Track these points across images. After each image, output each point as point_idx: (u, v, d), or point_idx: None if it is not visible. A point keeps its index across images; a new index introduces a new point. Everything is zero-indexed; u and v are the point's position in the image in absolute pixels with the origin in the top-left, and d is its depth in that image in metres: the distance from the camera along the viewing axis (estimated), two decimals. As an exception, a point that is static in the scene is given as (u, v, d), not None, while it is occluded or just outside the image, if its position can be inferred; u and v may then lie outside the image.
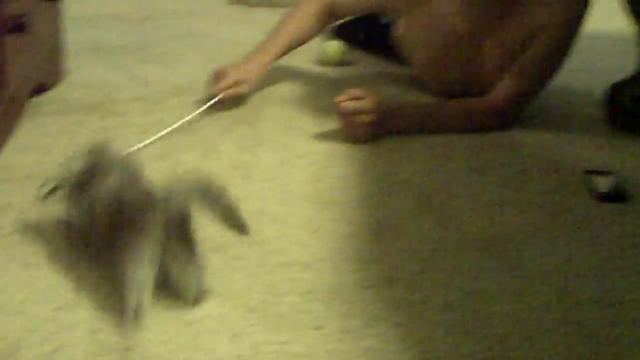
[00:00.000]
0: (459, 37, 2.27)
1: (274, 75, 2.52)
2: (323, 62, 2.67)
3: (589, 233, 1.65)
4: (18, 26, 1.93)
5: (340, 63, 2.67)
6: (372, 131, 2.04)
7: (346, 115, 2.03)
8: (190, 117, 2.12)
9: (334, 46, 2.70)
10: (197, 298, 1.33)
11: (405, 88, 2.48)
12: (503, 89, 2.20)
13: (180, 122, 2.10)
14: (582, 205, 1.77)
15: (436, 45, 2.32)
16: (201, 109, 2.16)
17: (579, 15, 2.20)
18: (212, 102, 2.19)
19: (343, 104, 2.03)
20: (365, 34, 2.87)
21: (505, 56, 2.24)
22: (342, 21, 2.76)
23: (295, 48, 2.46)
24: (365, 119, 2.02)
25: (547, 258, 1.54)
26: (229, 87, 2.25)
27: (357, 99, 2.03)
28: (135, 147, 1.94)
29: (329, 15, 2.46)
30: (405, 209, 1.71)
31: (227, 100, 2.24)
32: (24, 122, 2.08)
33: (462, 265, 1.50)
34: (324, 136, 2.07)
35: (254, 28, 3.09)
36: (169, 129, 2.06)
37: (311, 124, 2.15)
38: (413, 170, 1.90)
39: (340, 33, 2.91)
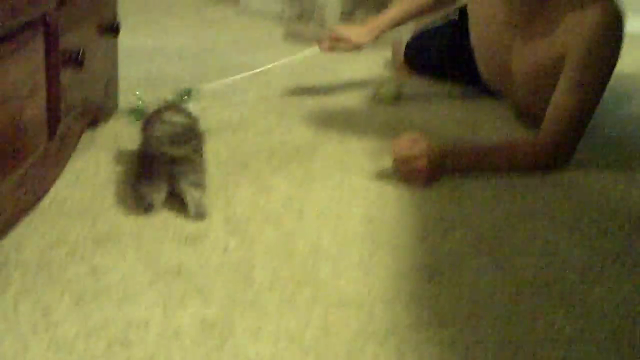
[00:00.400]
0: (494, 25, 2.39)
1: (329, 113, 2.52)
2: (378, 100, 2.67)
3: (646, 276, 1.62)
4: (74, 60, 1.94)
5: (395, 101, 2.67)
6: (426, 175, 2.03)
7: (400, 161, 2.04)
8: (287, 59, 2.77)
9: (389, 84, 2.70)
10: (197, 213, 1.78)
11: (459, 126, 2.47)
12: (549, 124, 2.17)
13: (276, 63, 2.72)
14: (638, 248, 1.75)
15: (481, 31, 2.48)
16: (300, 54, 2.72)
17: (610, 30, 2.15)
18: (309, 51, 2.76)
19: (397, 151, 2.04)
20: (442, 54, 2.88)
21: (531, 65, 2.29)
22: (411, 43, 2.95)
23: (410, 19, 2.77)
24: (419, 163, 2.02)
25: (602, 301, 1.52)
26: (333, 41, 2.67)
27: (411, 143, 2.04)
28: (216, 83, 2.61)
29: None
30: (460, 249, 1.70)
31: (326, 51, 2.68)
32: (78, 154, 2.10)
33: (517, 306, 1.49)
34: (378, 175, 2.07)
35: (307, 64, 3.11)
36: (261, 69, 2.74)
37: (366, 162, 2.15)
38: (468, 210, 1.89)
39: (416, 61, 2.97)
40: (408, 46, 2.98)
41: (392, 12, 2.72)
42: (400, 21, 2.72)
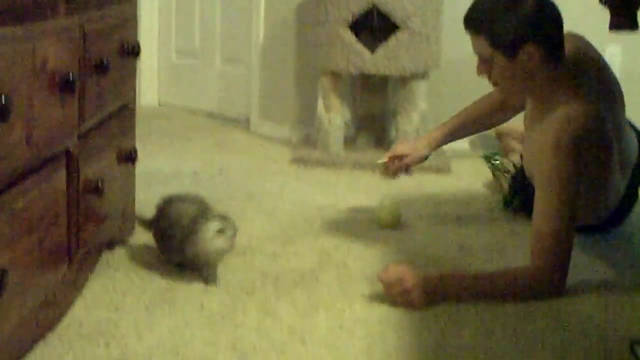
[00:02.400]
0: (528, 117, 2.52)
1: (333, 238, 2.61)
2: (378, 225, 2.77)
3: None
4: (94, 189, 2.06)
5: (394, 225, 2.77)
6: (418, 298, 2.11)
7: (388, 287, 2.13)
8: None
9: (388, 209, 2.79)
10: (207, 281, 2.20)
11: (457, 252, 2.55)
12: (534, 249, 2.22)
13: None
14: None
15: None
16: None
17: (565, 146, 2.22)
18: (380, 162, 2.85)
19: (384, 277, 2.14)
20: None
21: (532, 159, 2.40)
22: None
23: (468, 131, 2.92)
24: (407, 285, 2.10)
25: None
26: (392, 159, 2.80)
27: (397, 274, 2.13)
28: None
29: (501, 105, 2.77)
30: (455, 379, 1.77)
31: (391, 178, 2.85)
32: (96, 276, 2.20)
33: None
34: (379, 301, 2.14)
35: (312, 188, 3.23)
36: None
37: (367, 287, 2.23)
38: (463, 338, 1.96)
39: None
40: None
41: (447, 127, 2.84)
42: (457, 133, 2.86)
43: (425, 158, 2.85)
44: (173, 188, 3.08)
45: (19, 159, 1.58)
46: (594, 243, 2.63)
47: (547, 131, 2.29)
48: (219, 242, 2.16)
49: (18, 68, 1.54)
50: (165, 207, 2.32)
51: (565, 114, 2.28)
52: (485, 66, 2.36)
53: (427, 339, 1.95)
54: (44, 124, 1.69)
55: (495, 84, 2.41)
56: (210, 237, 2.15)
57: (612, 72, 2.52)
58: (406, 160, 2.80)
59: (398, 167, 2.80)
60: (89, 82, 2.00)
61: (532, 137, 2.40)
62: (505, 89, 2.42)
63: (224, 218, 2.18)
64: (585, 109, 2.30)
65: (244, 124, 4.40)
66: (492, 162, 3.20)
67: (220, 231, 2.15)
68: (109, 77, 2.14)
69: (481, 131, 2.96)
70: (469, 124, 2.86)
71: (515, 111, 2.81)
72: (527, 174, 2.57)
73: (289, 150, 3.82)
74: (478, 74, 2.40)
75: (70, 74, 1.76)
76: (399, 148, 2.83)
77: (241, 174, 3.39)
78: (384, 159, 2.81)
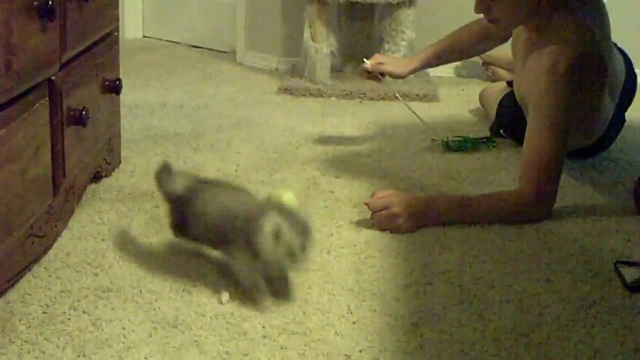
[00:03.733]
0: (520, 44, 2.49)
1: (319, 165, 2.60)
2: None
3: (619, 323, 1.69)
4: (78, 119, 2.03)
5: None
6: (405, 223, 2.11)
7: (375, 213, 2.13)
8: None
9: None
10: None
11: (444, 178, 2.55)
12: (523, 171, 2.22)
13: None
14: (612, 296, 1.82)
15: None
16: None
17: (559, 73, 2.22)
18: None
19: (371, 203, 2.13)
20: None
21: (526, 85, 2.38)
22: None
23: (451, 59, 2.90)
24: (393, 210, 2.10)
25: (579, 348, 1.59)
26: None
27: (385, 199, 2.13)
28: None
29: (486, 35, 2.74)
30: (443, 300, 1.77)
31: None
32: (82, 207, 2.18)
33: (497, 355, 1.56)
34: (366, 225, 2.15)
35: (299, 117, 3.20)
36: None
37: (354, 213, 2.23)
38: (450, 261, 1.97)
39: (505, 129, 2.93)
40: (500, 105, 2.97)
41: (431, 49, 2.81)
42: (440, 58, 2.82)
43: (403, 77, 2.81)
44: (159, 120, 3.06)
45: (-2, 87, 1.56)
46: (582, 167, 2.64)
47: (543, 55, 2.27)
48: None
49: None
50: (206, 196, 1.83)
51: (563, 38, 2.26)
52: (486, 4, 2.32)
53: (414, 261, 1.95)
54: (24, 52, 1.66)
55: (492, 21, 2.37)
56: None
57: None
58: (383, 67, 2.72)
59: (374, 69, 2.72)
60: (70, 8, 1.96)
61: (527, 63, 2.37)
62: (507, 24, 2.40)
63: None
64: (582, 32, 2.29)
65: (230, 55, 4.36)
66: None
67: None
68: (90, 4, 2.10)
69: (463, 59, 2.95)
70: (452, 51, 2.83)
71: (501, 41, 2.80)
72: (518, 100, 2.56)
73: (276, 80, 3.79)
74: (476, 12, 2.37)
75: (50, 0, 1.72)
76: (382, 56, 2.80)
77: (228, 104, 3.37)
78: (366, 61, 2.72)
